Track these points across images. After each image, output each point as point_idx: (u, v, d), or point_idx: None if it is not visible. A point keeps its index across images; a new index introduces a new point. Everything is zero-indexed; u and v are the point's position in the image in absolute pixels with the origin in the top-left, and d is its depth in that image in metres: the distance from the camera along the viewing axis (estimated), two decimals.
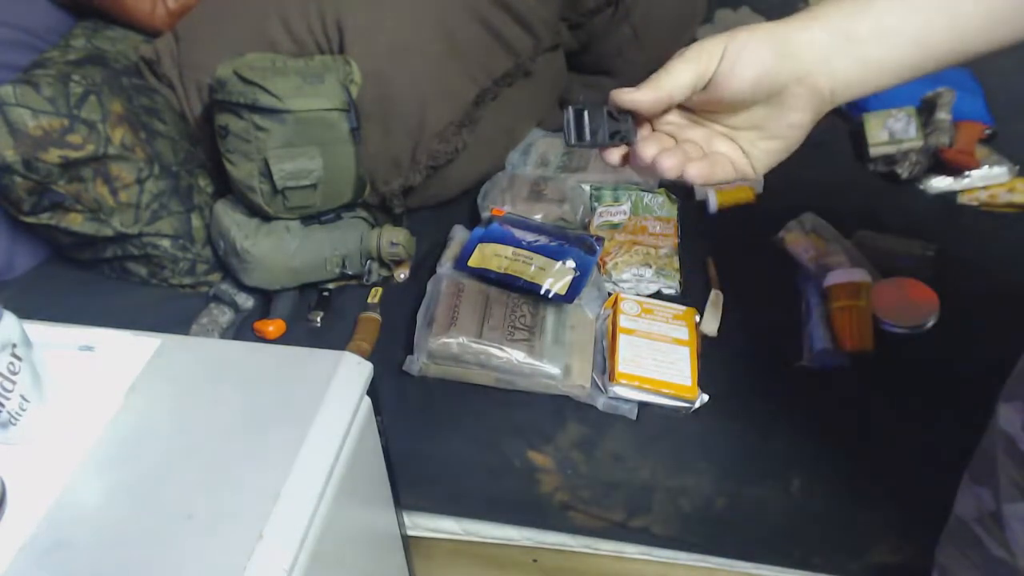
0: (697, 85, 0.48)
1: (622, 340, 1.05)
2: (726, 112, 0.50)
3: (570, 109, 0.49)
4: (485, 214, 1.23)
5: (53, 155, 1.04)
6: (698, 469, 0.96)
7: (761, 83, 0.47)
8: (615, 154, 0.52)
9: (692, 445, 0.98)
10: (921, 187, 1.34)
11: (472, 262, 1.12)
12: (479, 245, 1.14)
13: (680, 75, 0.48)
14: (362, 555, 0.81)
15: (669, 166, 0.48)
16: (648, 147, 0.50)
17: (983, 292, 1.11)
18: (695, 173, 0.49)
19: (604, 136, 0.50)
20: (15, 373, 0.61)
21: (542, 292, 1.08)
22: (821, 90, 0.47)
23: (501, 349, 1.02)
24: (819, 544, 0.97)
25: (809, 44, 0.47)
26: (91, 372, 0.70)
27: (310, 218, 1.20)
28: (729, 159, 0.51)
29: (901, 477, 0.94)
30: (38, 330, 0.67)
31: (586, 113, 0.49)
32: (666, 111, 0.51)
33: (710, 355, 1.07)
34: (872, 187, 1.35)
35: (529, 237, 1.14)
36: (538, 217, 1.23)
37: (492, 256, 1.12)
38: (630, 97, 0.49)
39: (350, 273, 1.21)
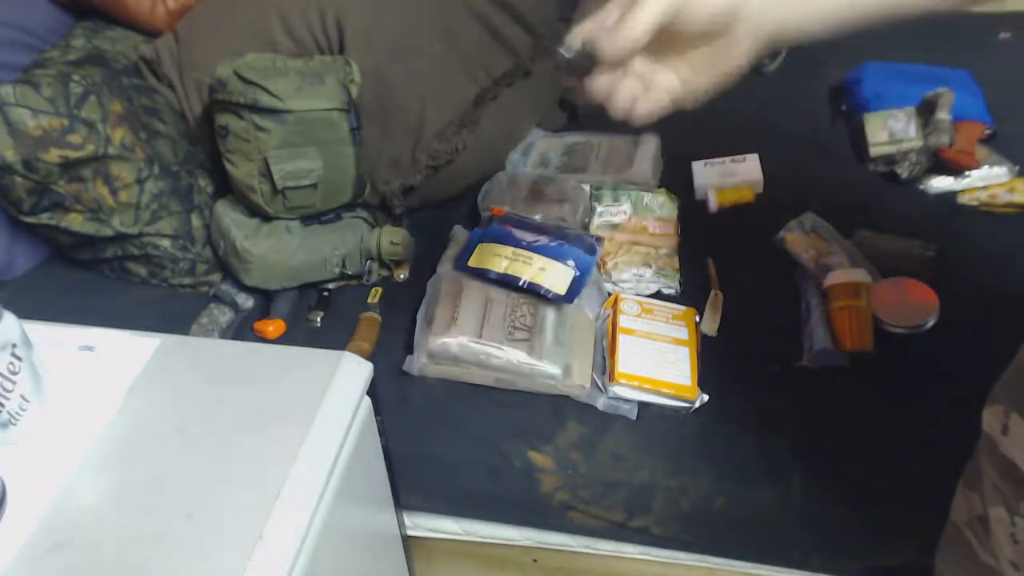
0: (664, 23, 0.47)
1: (622, 340, 1.05)
2: (670, 51, 0.50)
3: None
4: (485, 214, 1.23)
5: (53, 155, 1.04)
6: (698, 469, 0.96)
7: (717, 19, 0.47)
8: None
9: (692, 445, 0.98)
10: (921, 187, 1.34)
11: (472, 262, 1.12)
12: (479, 245, 1.14)
13: (651, 15, 0.46)
14: (362, 555, 0.81)
15: (622, 106, 0.50)
16: (602, 83, 0.50)
17: (983, 292, 1.11)
18: (643, 111, 0.50)
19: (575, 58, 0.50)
20: (15, 373, 0.61)
21: (542, 292, 1.08)
22: (763, 31, 0.49)
23: (501, 349, 1.02)
24: (819, 544, 0.97)
25: None
26: (91, 372, 0.70)
27: (310, 218, 1.20)
28: (667, 91, 0.51)
29: (901, 477, 0.93)
30: (38, 330, 0.67)
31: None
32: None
33: (710, 355, 1.07)
34: (872, 187, 1.35)
35: (529, 237, 1.14)
36: (538, 217, 1.22)
37: (492, 256, 1.12)
38: (614, 48, 0.47)
39: (350, 273, 1.21)
